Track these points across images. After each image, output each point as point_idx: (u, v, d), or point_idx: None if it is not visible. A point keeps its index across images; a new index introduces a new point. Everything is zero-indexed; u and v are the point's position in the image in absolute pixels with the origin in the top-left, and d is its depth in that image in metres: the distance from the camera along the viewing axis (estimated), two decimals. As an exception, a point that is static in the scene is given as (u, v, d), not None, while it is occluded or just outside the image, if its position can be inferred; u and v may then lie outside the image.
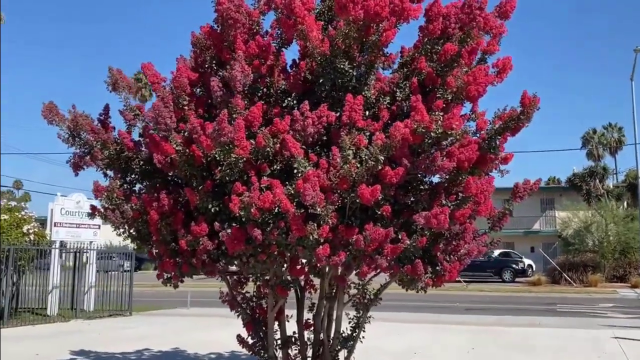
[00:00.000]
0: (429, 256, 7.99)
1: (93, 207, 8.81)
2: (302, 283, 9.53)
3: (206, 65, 8.66)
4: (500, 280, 45.43)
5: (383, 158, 7.10)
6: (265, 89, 8.48)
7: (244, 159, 7.47)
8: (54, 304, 23.91)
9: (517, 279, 46.02)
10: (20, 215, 22.48)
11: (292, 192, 7.18)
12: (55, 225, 24.03)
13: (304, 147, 7.62)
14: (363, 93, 8.03)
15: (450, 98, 7.67)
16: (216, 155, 7.44)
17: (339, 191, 7.27)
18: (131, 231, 8.48)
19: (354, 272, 8.00)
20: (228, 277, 9.24)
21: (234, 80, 7.34)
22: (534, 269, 49.19)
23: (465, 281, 41.51)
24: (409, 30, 8.64)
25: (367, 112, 8.19)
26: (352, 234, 7.35)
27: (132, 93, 9.32)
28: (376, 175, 7.33)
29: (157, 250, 8.34)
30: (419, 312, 24.82)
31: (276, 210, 7.23)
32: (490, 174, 8.74)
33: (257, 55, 8.00)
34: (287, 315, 9.50)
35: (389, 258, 7.46)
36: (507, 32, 8.05)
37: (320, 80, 7.93)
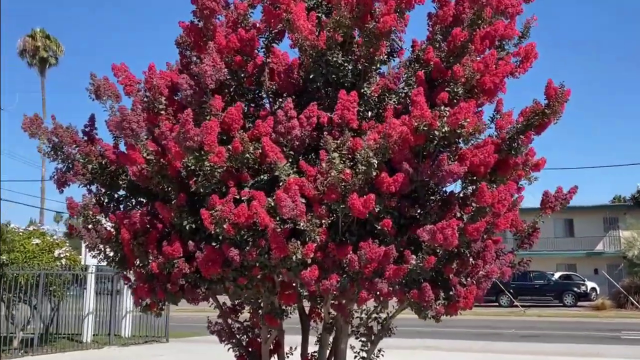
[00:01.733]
0: (442, 279, 6.76)
1: (71, 226, 7.95)
2: (307, 311, 8.41)
3: (192, 67, 7.74)
4: (561, 304, 42.86)
5: (376, 162, 5.97)
6: (255, 90, 7.50)
7: (222, 167, 6.47)
8: (89, 330, 23.41)
9: (579, 303, 43.31)
10: (52, 239, 22.14)
11: (273, 204, 6.12)
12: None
13: (291, 152, 6.57)
14: (362, 90, 6.94)
15: (460, 92, 6.49)
16: (189, 164, 6.46)
17: (327, 203, 6.17)
18: (107, 252, 7.57)
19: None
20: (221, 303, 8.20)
21: (203, 76, 6.36)
22: (598, 292, 46.28)
23: (523, 306, 39.32)
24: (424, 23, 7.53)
25: (369, 113, 7.09)
26: (345, 253, 6.22)
27: (119, 101, 8.47)
28: (372, 184, 6.21)
29: (133, 274, 7.38)
30: (466, 340, 23.18)
31: (255, 227, 6.19)
32: (519, 183, 7.50)
33: (239, 50, 7.02)
34: (291, 348, 8.37)
35: (391, 281, 6.29)
36: (523, 11, 6.84)
37: (311, 76, 6.89)
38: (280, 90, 7.13)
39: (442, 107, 6.16)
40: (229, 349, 7.91)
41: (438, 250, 6.67)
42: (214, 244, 6.41)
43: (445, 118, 6.04)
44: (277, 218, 6.12)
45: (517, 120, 6.63)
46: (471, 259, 6.86)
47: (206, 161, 6.37)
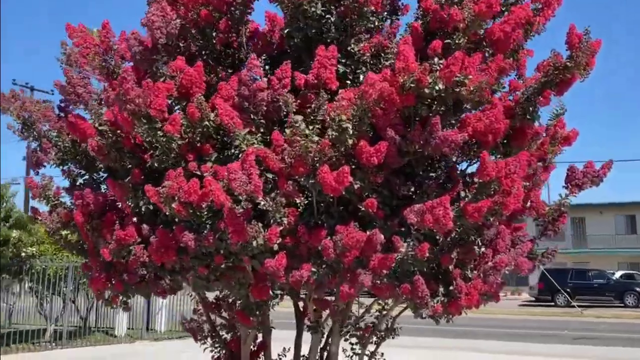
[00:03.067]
0: (443, 272, 5.62)
1: (34, 210, 7.14)
2: (301, 307, 7.37)
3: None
4: (623, 305, 40.38)
5: (350, 126, 4.89)
6: (235, 54, 6.50)
7: (182, 138, 5.51)
8: (123, 324, 22.99)
9: (642, 304, 40.74)
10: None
11: (234, 179, 5.10)
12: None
13: (262, 121, 5.54)
14: (349, 48, 5.85)
15: (462, 43, 5.32)
16: (142, 135, 5.53)
17: (296, 178, 5.13)
18: (68, 237, 6.73)
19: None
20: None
21: (150, 28, 5.40)
22: (664, 293, 43.45)
23: (580, 306, 37.17)
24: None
25: (361, 77, 5.99)
26: (319, 238, 5.16)
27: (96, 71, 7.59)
28: (350, 154, 5.13)
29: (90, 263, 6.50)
30: (514, 341, 21.67)
31: (214, 207, 5.20)
32: (547, 161, 6.28)
33: (205, 3, 6.03)
34: (284, 349, 7.37)
35: (377, 273, 5.19)
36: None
37: (287, 31, 5.85)
38: (257, 51, 6.09)
39: (436, 60, 5.01)
40: (204, 350, 6.94)
41: (438, 237, 5.57)
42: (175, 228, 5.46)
43: (437, 72, 4.89)
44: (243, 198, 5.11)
45: (533, 76, 5.41)
46: (480, 248, 5.69)
47: (159, 131, 5.42)
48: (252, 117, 5.45)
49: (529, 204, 5.93)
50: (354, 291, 5.36)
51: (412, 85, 4.89)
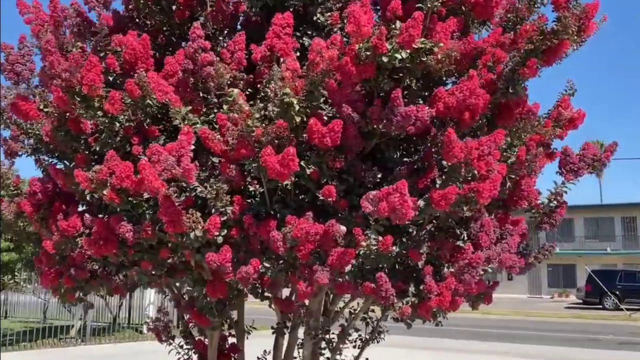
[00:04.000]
0: (414, 268, 4.94)
1: (-3, 200, 6.72)
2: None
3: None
4: (678, 308, 38.33)
5: (295, 101, 4.26)
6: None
7: (129, 119, 4.99)
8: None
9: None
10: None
11: (174, 163, 4.54)
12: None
13: (215, 100, 4.97)
14: (315, 18, 5.23)
15: (435, 7, 4.60)
16: (82, 116, 5.02)
17: (240, 161, 4.54)
18: (26, 229, 6.29)
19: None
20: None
21: (84, -4, 4.88)
22: None
23: (629, 309, 35.43)
24: None
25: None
26: (268, 230, 4.55)
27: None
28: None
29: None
30: (554, 345, 20.58)
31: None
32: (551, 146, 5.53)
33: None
34: (265, 351, 6.78)
35: (336, 269, 4.56)
36: None
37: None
38: (215, 23, 5.51)
39: (398, 25, 4.33)
40: (169, 352, 6.39)
41: (411, 229, 4.90)
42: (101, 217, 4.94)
43: (395, 38, 4.22)
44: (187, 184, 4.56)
45: (513, 41, 4.67)
46: (465, 242, 4.98)
47: (99, 110, 4.91)
48: (201, 94, 4.89)
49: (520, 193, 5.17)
50: (311, 290, 4.72)
51: (367, 53, 4.23)
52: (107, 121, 4.95)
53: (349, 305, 6.40)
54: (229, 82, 4.31)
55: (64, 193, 5.66)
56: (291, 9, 5.17)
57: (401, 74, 4.59)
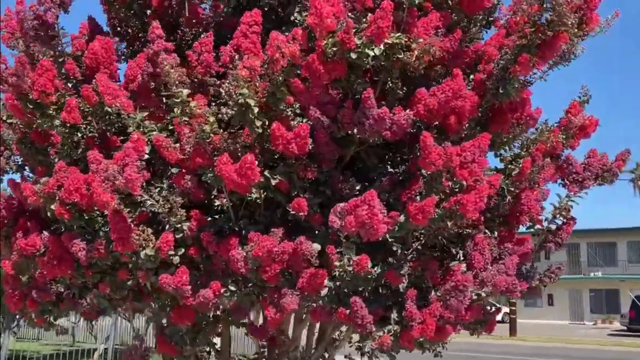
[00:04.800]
0: (396, 292, 4.40)
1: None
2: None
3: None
4: None
5: (254, 102, 3.81)
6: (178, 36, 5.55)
7: (89, 128, 4.62)
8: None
9: None
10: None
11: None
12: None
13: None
14: (292, 18, 4.79)
15: (416, 1, 4.11)
16: (40, 125, 4.67)
17: (199, 171, 4.09)
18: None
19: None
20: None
21: (37, -3, 4.53)
22: None
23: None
24: None
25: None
26: (228, 249, 4.08)
27: None
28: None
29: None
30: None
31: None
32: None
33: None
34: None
35: (307, 293, 4.06)
36: None
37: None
38: (190, 27, 5.12)
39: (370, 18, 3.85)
40: (145, 382, 5.91)
41: (395, 248, 4.37)
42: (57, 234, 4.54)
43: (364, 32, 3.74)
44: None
45: (509, 38, 4.14)
46: (457, 262, 4.44)
47: (56, 119, 4.54)
48: (163, 99, 4.48)
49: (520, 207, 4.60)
50: (281, 316, 4.22)
51: (334, 49, 3.76)
52: (66, 131, 4.57)
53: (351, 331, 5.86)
54: (176, 82, 3.87)
55: (31, 210, 5.29)
56: (267, 8, 4.76)
57: (381, 75, 4.10)
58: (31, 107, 4.41)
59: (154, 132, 4.23)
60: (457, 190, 4.02)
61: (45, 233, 4.73)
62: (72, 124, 4.53)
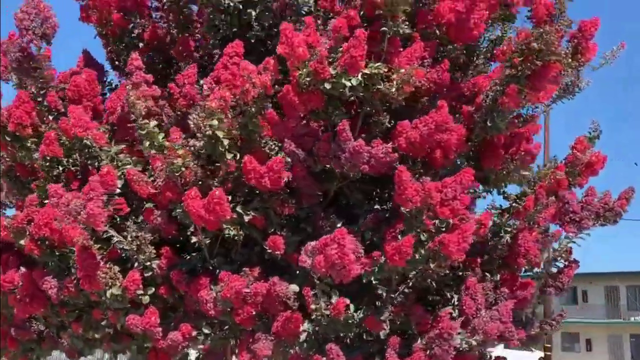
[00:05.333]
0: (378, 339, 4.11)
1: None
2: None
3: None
4: None
5: (222, 133, 3.63)
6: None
7: (70, 160, 4.52)
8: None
9: None
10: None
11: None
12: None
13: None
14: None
15: (402, 31, 3.91)
16: (22, 158, 4.59)
17: (170, 206, 3.91)
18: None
19: None
20: None
21: (19, 28, 4.47)
22: None
23: None
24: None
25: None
26: (198, 289, 3.87)
27: None
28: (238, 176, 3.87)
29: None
30: None
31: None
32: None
33: (121, 8, 5.07)
34: None
35: (281, 337, 3.82)
36: None
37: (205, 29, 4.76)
38: (179, 58, 5.02)
39: (346, 48, 3.66)
40: None
41: (380, 291, 4.10)
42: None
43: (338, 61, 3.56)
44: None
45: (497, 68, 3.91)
46: (450, 307, 4.14)
47: (36, 152, 4.44)
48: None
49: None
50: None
51: (308, 79, 3.58)
52: (46, 164, 4.46)
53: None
54: (143, 113, 3.72)
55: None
56: (253, 40, 4.62)
57: (365, 106, 3.91)
58: (9, 139, 4.30)
59: (129, 166, 4.07)
60: (443, 229, 3.76)
61: (22, 269, 4.60)
62: (52, 157, 4.41)
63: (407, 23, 3.99)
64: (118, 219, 4.09)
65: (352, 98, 3.92)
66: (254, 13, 4.58)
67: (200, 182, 3.76)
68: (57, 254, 4.20)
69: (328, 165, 3.82)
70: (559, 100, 4.85)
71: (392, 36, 3.87)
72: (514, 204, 4.97)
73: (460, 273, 4.47)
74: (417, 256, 3.66)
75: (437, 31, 4.13)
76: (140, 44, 5.25)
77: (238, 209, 3.79)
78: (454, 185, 3.49)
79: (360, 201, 4.29)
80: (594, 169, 4.76)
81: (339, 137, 3.61)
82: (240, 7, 4.57)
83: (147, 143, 3.72)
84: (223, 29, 4.68)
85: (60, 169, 4.55)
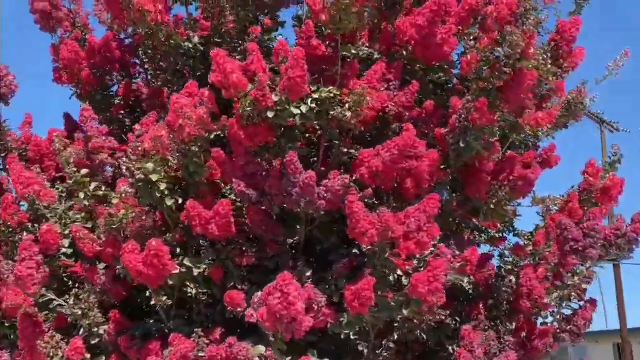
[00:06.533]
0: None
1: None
2: None
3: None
4: None
5: (157, 177, 3.28)
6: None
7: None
8: None
9: None
10: None
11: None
12: None
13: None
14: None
15: (359, 53, 3.54)
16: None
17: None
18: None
19: None
20: None
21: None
22: None
23: None
24: None
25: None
26: (146, 354, 3.43)
27: None
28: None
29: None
30: None
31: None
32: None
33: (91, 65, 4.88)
34: None
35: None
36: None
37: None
38: (148, 111, 4.75)
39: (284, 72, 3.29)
40: None
41: (361, 347, 3.57)
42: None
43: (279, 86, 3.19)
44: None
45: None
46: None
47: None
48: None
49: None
50: None
51: (248, 109, 3.21)
52: (8, 231, 4.19)
53: None
54: (70, 161, 3.42)
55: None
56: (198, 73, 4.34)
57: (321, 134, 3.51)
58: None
59: (78, 222, 3.75)
60: (421, 268, 3.25)
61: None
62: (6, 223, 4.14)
63: (366, 45, 3.64)
64: (70, 282, 3.75)
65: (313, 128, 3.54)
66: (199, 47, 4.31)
67: (148, 234, 3.39)
68: (6, 324, 3.85)
69: (283, 205, 3.40)
70: (565, 124, 4.36)
71: (349, 58, 3.49)
72: (526, 242, 4.44)
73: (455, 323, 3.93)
74: (391, 303, 3.16)
75: (404, 51, 3.73)
76: (116, 100, 5.05)
77: (186, 261, 3.38)
78: (417, 214, 3.00)
79: (337, 245, 3.82)
80: (611, 194, 4.19)
81: (288, 171, 3.19)
82: (202, 49, 4.32)
83: (82, 195, 3.39)
84: (188, 73, 4.42)
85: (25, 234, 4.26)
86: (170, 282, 3.36)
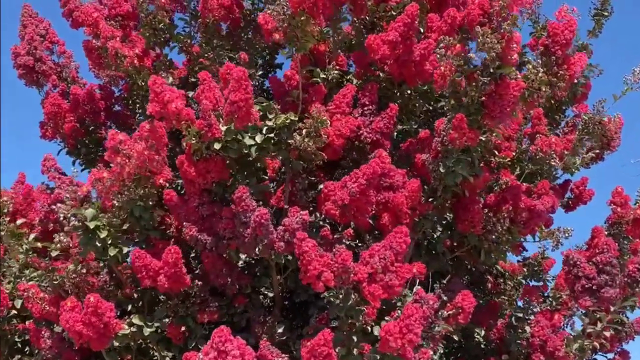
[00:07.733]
0: None
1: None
2: None
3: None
4: None
5: (99, 223, 2.91)
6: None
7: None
8: None
9: None
10: None
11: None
12: None
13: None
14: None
15: (329, 75, 3.16)
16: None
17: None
18: None
19: None
20: None
21: None
22: None
23: None
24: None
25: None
26: None
27: None
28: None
29: None
30: None
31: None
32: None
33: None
34: None
35: None
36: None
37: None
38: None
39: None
40: None
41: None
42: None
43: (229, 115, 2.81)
44: None
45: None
46: None
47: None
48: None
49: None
50: None
51: (193, 141, 2.84)
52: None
53: None
54: (5, 210, 3.10)
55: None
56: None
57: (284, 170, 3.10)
58: None
59: (34, 281, 3.41)
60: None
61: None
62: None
63: (337, 67, 3.25)
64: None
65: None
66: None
67: (100, 290, 3.02)
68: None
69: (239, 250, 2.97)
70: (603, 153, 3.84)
71: (318, 83, 3.11)
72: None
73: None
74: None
75: (380, 72, 3.32)
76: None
77: (135, 319, 2.97)
78: (383, 252, 2.51)
79: (316, 296, 3.34)
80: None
81: (238, 209, 2.77)
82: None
83: (20, 248, 3.06)
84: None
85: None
86: (116, 344, 2.94)
